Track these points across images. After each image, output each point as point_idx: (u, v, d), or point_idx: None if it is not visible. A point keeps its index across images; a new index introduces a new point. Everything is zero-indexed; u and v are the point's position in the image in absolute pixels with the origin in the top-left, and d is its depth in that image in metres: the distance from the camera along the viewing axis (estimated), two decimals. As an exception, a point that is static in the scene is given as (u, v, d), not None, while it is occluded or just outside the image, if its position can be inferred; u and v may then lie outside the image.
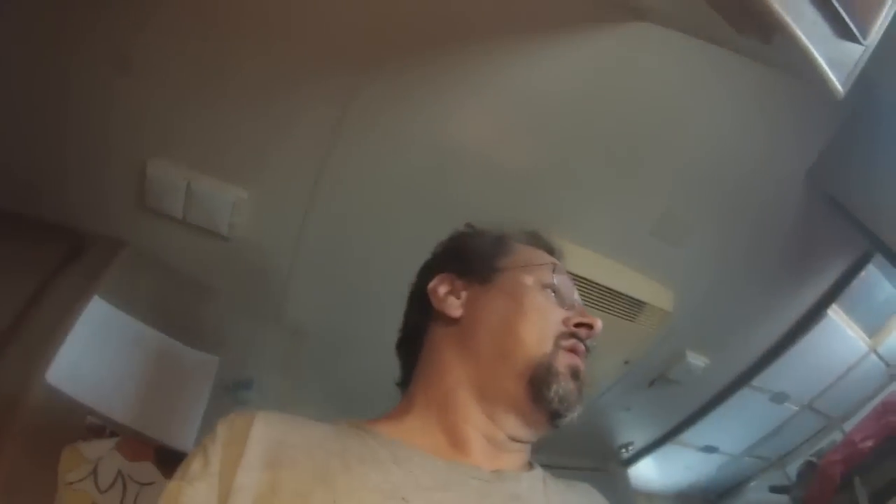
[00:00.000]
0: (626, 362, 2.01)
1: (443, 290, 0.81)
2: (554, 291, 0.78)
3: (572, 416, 0.71)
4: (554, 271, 0.80)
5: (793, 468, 2.50)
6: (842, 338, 2.14)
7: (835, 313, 2.06)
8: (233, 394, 1.75)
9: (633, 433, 2.68)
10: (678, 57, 1.30)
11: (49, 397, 1.36)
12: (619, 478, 2.76)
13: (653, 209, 1.69)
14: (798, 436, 2.52)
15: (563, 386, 0.70)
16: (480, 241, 0.87)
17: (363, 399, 2.21)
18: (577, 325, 0.76)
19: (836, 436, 2.38)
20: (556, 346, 0.73)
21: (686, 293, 1.90)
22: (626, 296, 1.76)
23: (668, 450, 2.66)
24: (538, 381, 0.70)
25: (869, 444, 1.76)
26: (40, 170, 1.62)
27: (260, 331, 1.97)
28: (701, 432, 2.53)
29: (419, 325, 0.84)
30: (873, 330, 2.16)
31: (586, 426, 2.43)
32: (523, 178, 1.61)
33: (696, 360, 2.21)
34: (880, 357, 2.21)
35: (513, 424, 0.72)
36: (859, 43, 0.76)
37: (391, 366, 0.89)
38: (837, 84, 0.77)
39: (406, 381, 0.83)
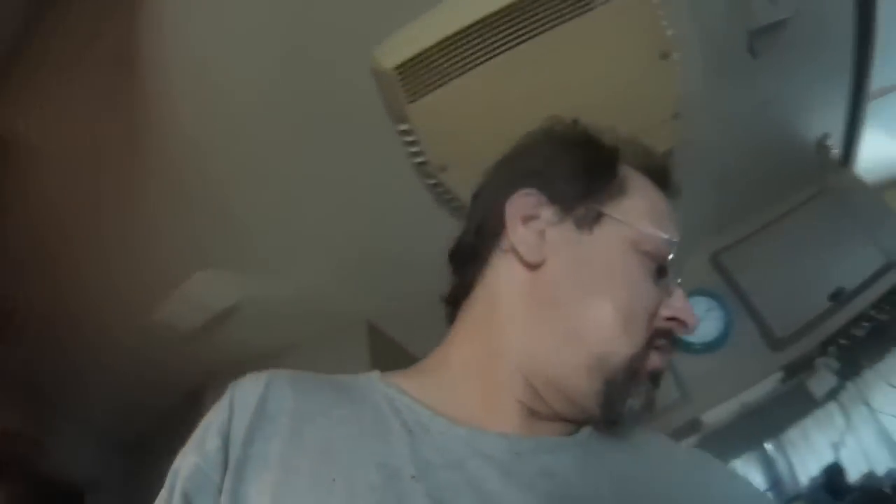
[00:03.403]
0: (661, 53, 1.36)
1: (524, 217, 0.61)
2: (661, 269, 0.60)
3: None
4: (672, 245, 0.61)
5: None
6: None
7: None
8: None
9: (814, 122, 1.86)
10: None
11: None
12: (846, 185, 1.94)
13: None
14: None
15: (641, 398, 0.58)
16: (591, 156, 0.63)
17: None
18: (670, 318, 0.60)
19: None
20: (649, 343, 0.58)
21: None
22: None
23: (876, 107, 1.80)
24: (614, 389, 0.56)
25: None
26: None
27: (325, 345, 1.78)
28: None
29: (479, 247, 0.65)
30: None
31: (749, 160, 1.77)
32: None
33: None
34: None
35: (565, 409, 0.59)
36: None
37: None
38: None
39: (453, 302, 0.67)
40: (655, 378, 0.60)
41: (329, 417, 0.56)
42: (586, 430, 0.60)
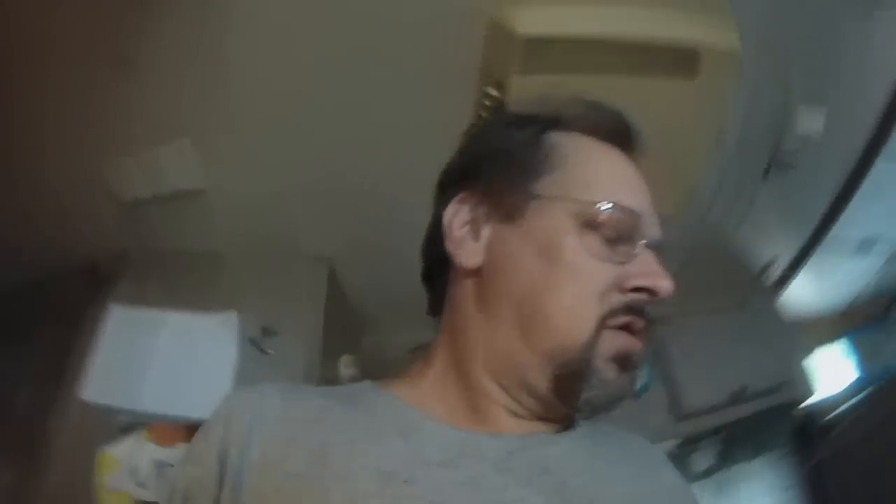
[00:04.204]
0: (718, 141, 1.53)
1: (459, 222, 0.60)
2: (610, 234, 0.55)
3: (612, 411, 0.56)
4: (616, 200, 0.56)
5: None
6: None
7: None
8: (259, 345, 1.59)
9: (769, 246, 2.14)
10: None
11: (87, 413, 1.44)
12: (765, 308, 2.24)
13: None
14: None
15: (599, 388, 0.54)
16: (517, 137, 0.61)
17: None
18: (636, 288, 0.55)
19: None
20: (601, 327, 0.54)
21: (751, 21, 1.39)
22: (669, 43, 1.29)
23: (819, 258, 2.12)
24: (566, 381, 0.54)
25: None
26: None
27: (278, 271, 1.73)
28: (851, 223, 1.97)
29: (437, 262, 0.64)
30: None
31: (709, 255, 1.92)
32: None
33: (811, 120, 1.66)
34: None
35: (538, 407, 0.58)
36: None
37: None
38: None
39: (434, 313, 0.67)
40: (623, 361, 0.55)
41: (322, 424, 0.56)
42: (580, 428, 0.60)
